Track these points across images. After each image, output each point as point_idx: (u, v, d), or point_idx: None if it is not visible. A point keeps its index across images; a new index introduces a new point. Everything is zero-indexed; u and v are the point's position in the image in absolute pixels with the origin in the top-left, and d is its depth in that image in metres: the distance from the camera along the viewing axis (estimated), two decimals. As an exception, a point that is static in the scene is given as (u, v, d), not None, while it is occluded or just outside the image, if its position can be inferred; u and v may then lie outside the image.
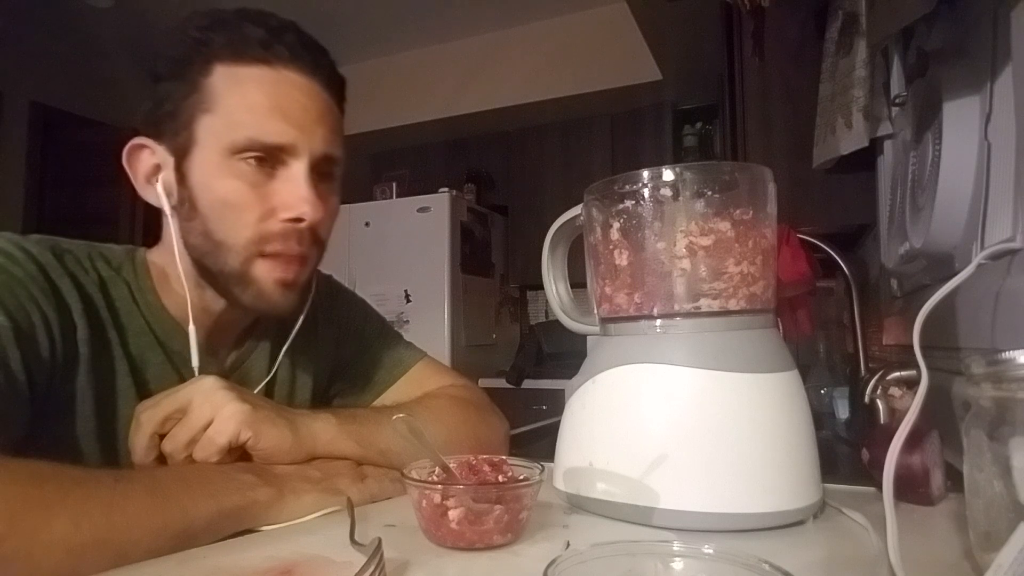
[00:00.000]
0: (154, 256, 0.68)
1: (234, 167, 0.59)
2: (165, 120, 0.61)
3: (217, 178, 0.60)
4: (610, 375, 0.56)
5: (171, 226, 0.63)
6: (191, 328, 0.63)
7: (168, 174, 0.62)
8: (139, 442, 0.55)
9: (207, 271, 0.63)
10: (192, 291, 0.64)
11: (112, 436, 0.60)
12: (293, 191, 0.60)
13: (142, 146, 0.64)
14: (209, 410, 0.54)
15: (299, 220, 0.61)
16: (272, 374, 0.74)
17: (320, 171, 0.63)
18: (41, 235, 0.61)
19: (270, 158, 0.60)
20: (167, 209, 0.63)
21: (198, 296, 0.65)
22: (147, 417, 0.55)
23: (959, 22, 0.76)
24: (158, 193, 0.63)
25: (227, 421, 0.54)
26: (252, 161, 0.59)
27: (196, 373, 0.63)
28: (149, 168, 0.64)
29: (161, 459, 0.55)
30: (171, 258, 0.64)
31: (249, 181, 0.60)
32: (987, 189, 0.68)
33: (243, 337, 0.73)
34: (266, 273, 0.61)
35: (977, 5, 0.71)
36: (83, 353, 0.58)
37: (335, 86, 0.65)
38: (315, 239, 0.64)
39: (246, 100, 0.59)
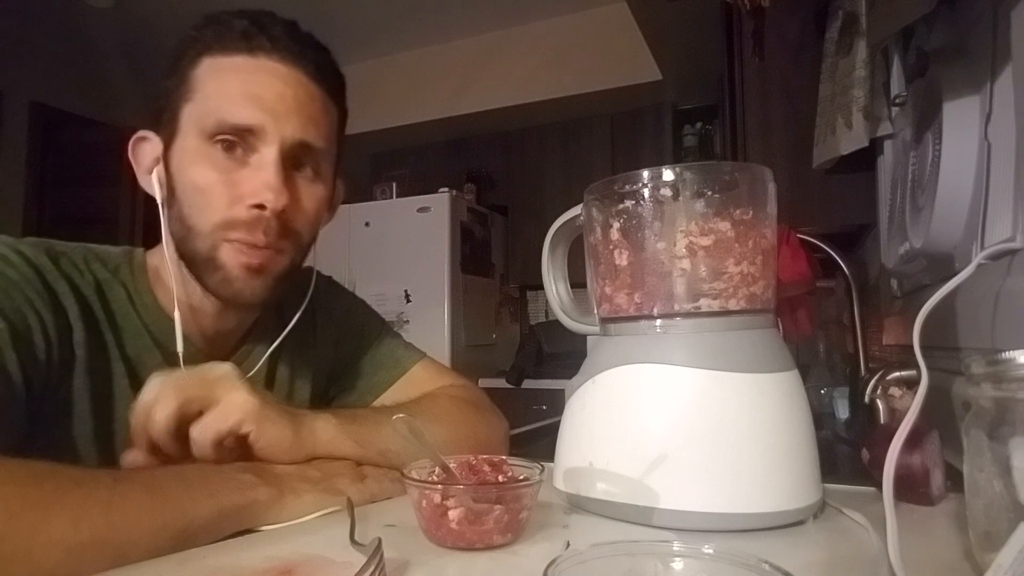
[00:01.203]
0: (152, 257, 0.68)
1: (207, 153, 0.60)
2: (161, 113, 0.63)
3: (190, 163, 0.61)
4: (610, 375, 0.56)
5: (162, 217, 0.64)
6: (176, 314, 0.64)
7: (160, 164, 0.64)
8: (163, 413, 0.52)
9: (185, 258, 0.63)
10: (179, 285, 0.64)
11: (109, 438, 0.60)
12: (259, 177, 0.60)
13: (145, 138, 0.66)
14: (218, 395, 0.54)
15: (262, 207, 0.60)
16: (270, 374, 0.74)
17: (296, 160, 0.63)
18: (37, 238, 0.61)
19: (242, 143, 0.60)
20: (159, 198, 0.64)
21: (186, 292, 0.65)
22: (172, 393, 0.53)
23: (959, 22, 0.76)
24: (152, 183, 0.64)
25: (233, 408, 0.54)
26: (223, 146, 0.60)
27: (181, 359, 0.63)
28: (150, 160, 0.65)
29: (178, 440, 0.54)
30: (164, 253, 0.64)
31: (219, 167, 0.60)
32: (987, 189, 0.68)
33: (241, 341, 0.72)
34: (232, 258, 0.61)
35: (977, 5, 0.71)
36: (79, 356, 0.58)
37: (326, 78, 0.65)
38: (285, 229, 0.62)
39: (221, 86, 0.61)
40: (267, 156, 0.60)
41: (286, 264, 0.65)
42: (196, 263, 0.62)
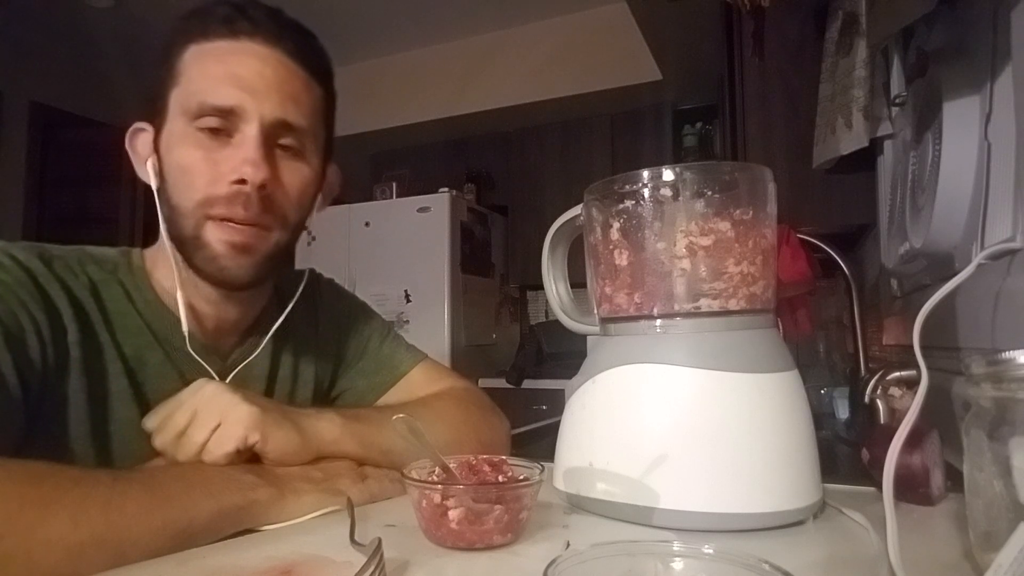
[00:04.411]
0: (151, 254, 0.68)
1: (192, 135, 0.61)
2: (154, 102, 0.64)
3: (176, 146, 0.62)
4: (610, 375, 0.56)
5: (157, 204, 0.65)
6: (179, 296, 0.64)
7: (154, 153, 0.65)
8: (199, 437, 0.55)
9: (174, 241, 0.64)
10: (178, 269, 0.65)
11: (106, 438, 0.60)
12: (239, 154, 0.61)
13: (141, 129, 0.67)
14: (216, 415, 0.55)
15: (242, 182, 0.60)
16: (272, 372, 0.74)
17: (279, 140, 0.63)
18: (29, 242, 0.62)
19: (226, 125, 0.61)
20: (154, 186, 0.65)
21: (186, 280, 0.65)
22: (161, 430, 0.56)
23: (959, 22, 0.76)
24: (148, 172, 0.65)
25: (235, 425, 0.55)
26: (207, 128, 0.61)
27: (187, 338, 0.64)
28: (147, 150, 0.66)
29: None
30: (163, 244, 0.65)
31: (203, 147, 0.61)
32: (987, 189, 0.68)
33: (245, 335, 0.73)
34: (216, 236, 0.62)
35: (977, 5, 0.71)
36: (75, 356, 0.58)
37: (307, 58, 0.65)
38: (268, 205, 0.63)
39: (203, 69, 0.62)
40: (248, 133, 0.61)
41: (273, 243, 0.65)
42: (184, 244, 0.63)
